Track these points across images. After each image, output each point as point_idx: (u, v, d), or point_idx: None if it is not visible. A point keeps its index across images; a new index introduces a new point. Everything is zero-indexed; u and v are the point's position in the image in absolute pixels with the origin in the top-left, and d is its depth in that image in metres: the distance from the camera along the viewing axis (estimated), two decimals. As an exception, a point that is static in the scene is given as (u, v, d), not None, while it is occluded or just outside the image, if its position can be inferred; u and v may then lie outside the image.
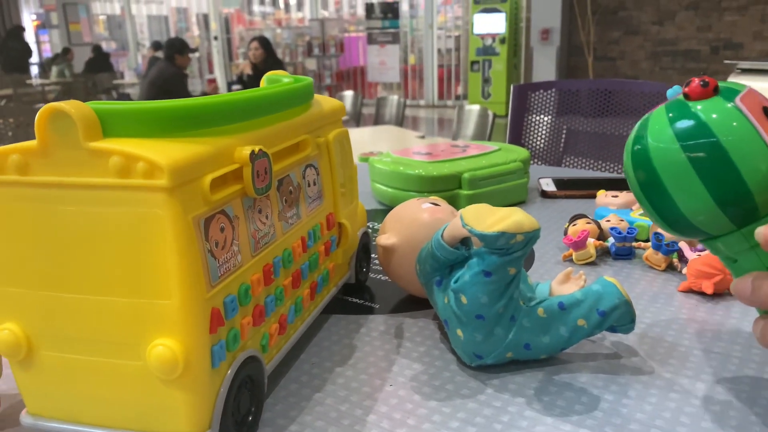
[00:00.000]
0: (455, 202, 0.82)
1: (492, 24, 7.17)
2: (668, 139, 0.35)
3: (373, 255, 0.69)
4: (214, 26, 8.81)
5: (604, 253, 0.67)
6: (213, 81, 5.87)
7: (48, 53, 8.93)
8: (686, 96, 0.36)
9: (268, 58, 4.79)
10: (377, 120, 4.29)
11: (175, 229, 0.31)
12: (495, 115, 2.88)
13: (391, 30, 8.17)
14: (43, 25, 9.15)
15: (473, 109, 3.09)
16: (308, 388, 0.44)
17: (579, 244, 0.64)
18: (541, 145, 1.55)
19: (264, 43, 4.84)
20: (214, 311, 0.34)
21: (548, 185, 0.93)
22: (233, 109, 0.37)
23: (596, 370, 0.45)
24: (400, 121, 4.10)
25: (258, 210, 0.39)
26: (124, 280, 0.33)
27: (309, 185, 0.47)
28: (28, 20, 9.20)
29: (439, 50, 8.40)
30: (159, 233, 0.31)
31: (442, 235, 0.45)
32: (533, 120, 1.53)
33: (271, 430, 0.40)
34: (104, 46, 8.76)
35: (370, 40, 8.17)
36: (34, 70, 8.93)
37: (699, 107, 0.35)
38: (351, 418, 0.41)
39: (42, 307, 0.34)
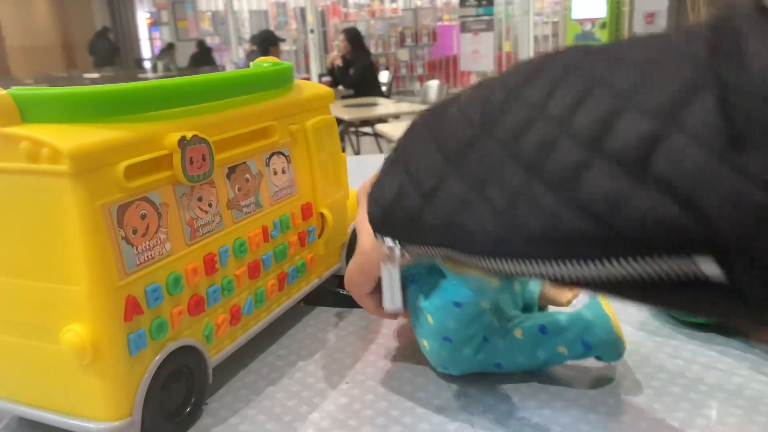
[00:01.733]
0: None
1: (592, 8, 6.84)
2: None
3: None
4: (311, 19, 9.01)
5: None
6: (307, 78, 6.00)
7: (159, 49, 9.48)
8: None
9: (355, 49, 4.85)
10: (463, 110, 4.23)
11: (81, 215, 0.31)
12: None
13: (486, 17, 7.98)
14: (155, 23, 9.73)
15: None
16: (264, 381, 0.43)
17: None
18: None
19: (350, 35, 4.90)
20: (129, 299, 0.33)
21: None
22: (161, 95, 0.36)
23: (575, 397, 0.41)
24: (485, 110, 4.01)
25: (197, 198, 0.38)
26: (38, 265, 0.33)
27: (275, 173, 0.46)
28: (142, 18, 9.83)
29: (535, 37, 8.15)
30: (65, 219, 0.31)
31: None
32: None
33: (212, 420, 0.39)
34: (208, 41, 9.20)
35: (464, 28, 8.03)
36: (147, 64, 9.54)
37: None
38: (293, 414, 0.39)
39: (-27, 288, 0.35)
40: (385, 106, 4.10)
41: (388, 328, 0.50)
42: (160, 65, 7.60)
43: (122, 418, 0.34)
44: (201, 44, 7.99)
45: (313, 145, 0.50)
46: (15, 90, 0.33)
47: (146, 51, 10.00)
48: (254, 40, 6.36)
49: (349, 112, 3.89)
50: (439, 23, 8.60)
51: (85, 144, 0.31)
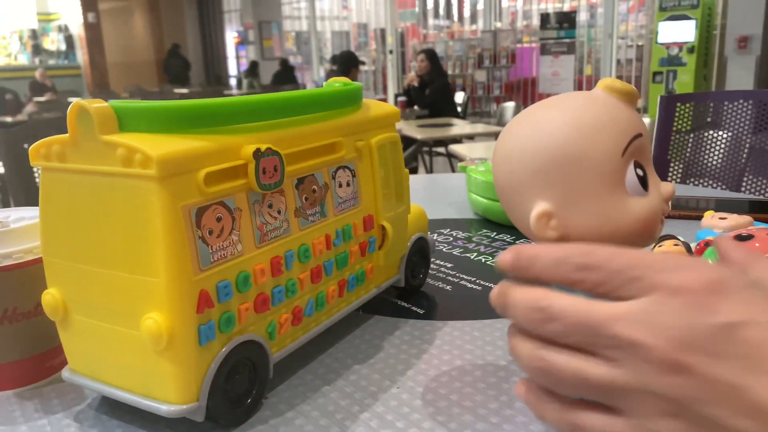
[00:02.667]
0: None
1: (679, 32, 6.64)
2: None
3: (439, 261, 0.69)
4: (390, 40, 9.17)
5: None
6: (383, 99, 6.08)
7: (244, 67, 9.90)
8: None
9: (432, 70, 4.90)
10: (538, 132, 4.18)
11: (164, 214, 0.35)
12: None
13: (567, 40, 7.89)
14: (242, 42, 10.19)
15: (645, 122, 2.90)
16: (320, 380, 0.46)
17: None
18: (714, 163, 1.40)
19: (430, 55, 4.96)
20: (202, 293, 0.37)
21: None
22: (240, 110, 0.40)
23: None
24: (561, 133, 3.96)
25: (268, 204, 0.42)
26: (126, 258, 0.37)
27: (340, 186, 0.49)
28: (230, 38, 10.32)
29: (618, 61, 7.97)
30: (150, 218, 0.35)
31: None
32: (701, 135, 1.39)
33: (270, 413, 0.42)
34: (291, 60, 9.53)
35: (544, 50, 7.96)
36: (233, 81, 9.97)
37: None
38: (345, 413, 0.42)
39: (73, 276, 0.40)
40: (459, 126, 4.12)
41: (442, 339, 0.51)
42: (244, 82, 7.95)
43: (190, 402, 0.37)
44: (284, 63, 8.28)
45: (377, 161, 0.52)
46: (114, 102, 0.37)
47: (233, 68, 10.46)
48: (335, 60, 6.55)
49: (423, 131, 3.93)
50: (519, 45, 8.55)
51: (171, 152, 0.35)
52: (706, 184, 1.38)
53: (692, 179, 1.40)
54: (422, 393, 0.44)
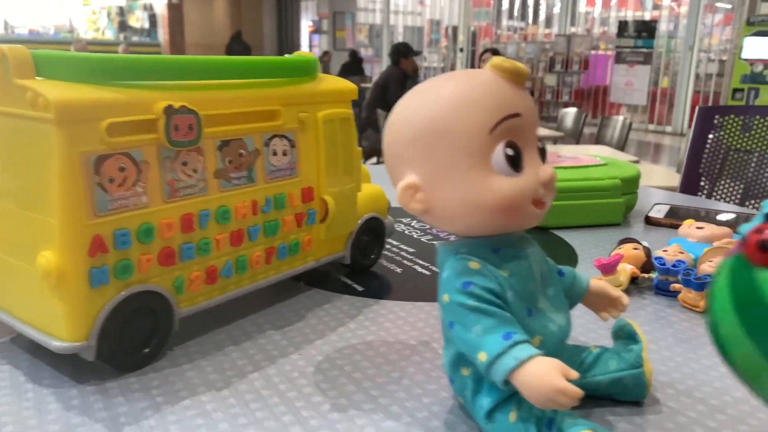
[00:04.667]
0: (529, 212, 0.77)
1: (766, 49, 6.29)
2: (731, 321, 0.25)
3: (403, 245, 0.69)
4: (462, 38, 9.10)
5: (649, 287, 0.58)
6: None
7: (318, 55, 10.06)
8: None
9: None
10: (598, 140, 4.06)
11: (60, 158, 0.37)
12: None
13: (644, 49, 7.62)
14: (316, 31, 10.35)
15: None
16: (230, 341, 0.47)
17: (608, 268, 0.56)
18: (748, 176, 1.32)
19: (496, 53, 4.89)
20: (96, 237, 0.38)
21: (658, 212, 0.82)
22: (150, 66, 0.41)
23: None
24: (621, 144, 3.83)
25: (182, 162, 0.43)
26: (29, 196, 0.39)
27: (274, 154, 0.49)
28: (305, 26, 10.49)
29: (697, 75, 7.64)
30: (49, 160, 0.37)
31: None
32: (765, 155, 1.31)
33: (168, 363, 0.44)
34: (362, 52, 9.60)
35: (619, 59, 7.71)
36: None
37: (761, 279, 0.23)
38: (237, 371, 0.43)
39: (-12, 211, 0.42)
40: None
41: (366, 316, 0.52)
42: (313, 70, 8.08)
43: (79, 341, 0.39)
44: (353, 54, 8.34)
45: (322, 135, 0.53)
46: (37, 50, 0.39)
47: (304, 56, 10.62)
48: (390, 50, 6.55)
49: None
50: (594, 52, 8.31)
51: (72, 98, 0.37)
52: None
53: (752, 201, 1.32)
54: (320, 362, 0.44)
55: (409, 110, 0.35)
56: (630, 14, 8.51)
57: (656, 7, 8.73)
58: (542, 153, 0.35)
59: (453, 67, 9.49)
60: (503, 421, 0.34)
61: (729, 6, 8.23)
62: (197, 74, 0.44)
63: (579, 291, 0.40)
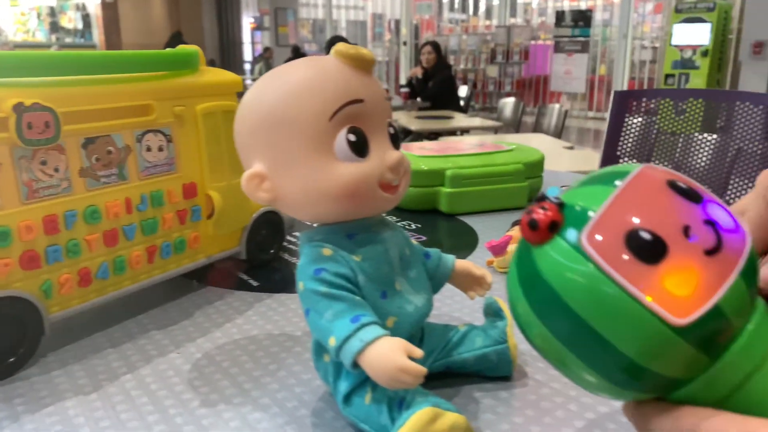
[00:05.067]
0: (437, 200, 0.78)
1: (694, 35, 6.53)
2: (522, 303, 0.25)
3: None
4: (405, 32, 9.12)
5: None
6: (386, 91, 6.01)
7: (259, 52, 9.92)
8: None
9: (438, 61, 4.87)
10: (536, 128, 4.15)
11: None
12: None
13: (581, 38, 7.80)
14: (258, 27, 10.20)
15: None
16: (109, 343, 0.46)
17: (497, 249, 0.57)
18: (700, 165, 1.36)
19: (436, 47, 4.93)
20: (-59, 243, 0.37)
21: (552, 192, 0.84)
22: (4, 65, 0.40)
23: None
24: (558, 131, 3.92)
25: (40, 161, 0.41)
26: None
27: (148, 150, 0.48)
28: (246, 23, 10.32)
29: (633, 62, 7.87)
30: None
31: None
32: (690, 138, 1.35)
33: (38, 370, 0.42)
34: (306, 47, 9.53)
35: (557, 48, 7.88)
36: (247, 66, 10.00)
37: (536, 257, 0.24)
38: (110, 374, 0.42)
39: None
40: (457, 119, 4.09)
41: (255, 311, 0.51)
42: (256, 68, 7.96)
43: (-69, 352, 0.37)
44: (296, 50, 8.27)
45: (202, 129, 0.52)
46: None
47: (248, 54, 10.47)
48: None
49: (419, 123, 3.91)
50: (533, 42, 8.46)
51: None
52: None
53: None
54: (198, 359, 0.43)
55: (253, 99, 0.34)
56: (567, 4, 8.69)
57: (592, -4, 8.95)
58: (394, 138, 0.35)
59: (397, 61, 9.51)
60: (359, 404, 0.34)
61: (660, -6, 8.50)
62: (54, 70, 0.42)
63: (445, 271, 0.40)
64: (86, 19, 8.98)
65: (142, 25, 9.50)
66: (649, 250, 0.22)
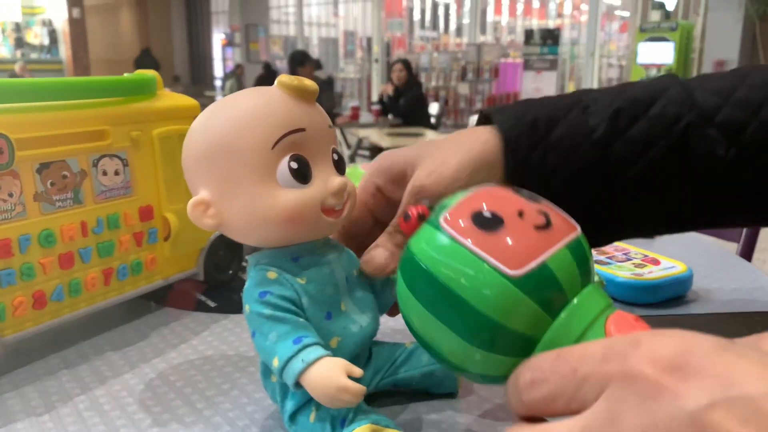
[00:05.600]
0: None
1: (658, 54, 6.71)
2: (401, 285, 0.31)
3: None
4: (376, 49, 9.21)
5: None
6: (357, 108, 6.00)
7: (230, 69, 9.92)
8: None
9: (409, 79, 4.93)
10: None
11: None
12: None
13: (550, 56, 7.96)
14: (229, 44, 10.21)
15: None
16: (64, 365, 0.46)
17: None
18: None
19: (407, 65, 4.99)
20: None
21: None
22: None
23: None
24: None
25: (-7, 187, 0.42)
26: None
27: (104, 174, 0.49)
28: (217, 40, 10.33)
29: (600, 79, 8.05)
30: None
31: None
32: None
33: (-10, 394, 0.42)
34: (278, 64, 9.55)
35: (527, 66, 8.03)
36: (218, 83, 9.98)
37: (410, 244, 0.31)
38: (63, 395, 0.42)
39: None
40: (428, 136, 4.14)
41: (211, 331, 0.52)
42: (227, 84, 7.96)
43: None
44: (267, 67, 8.29)
45: (159, 152, 0.53)
46: None
47: (218, 70, 10.46)
48: (317, 65, 6.54)
49: (390, 140, 3.95)
50: (503, 60, 8.61)
51: None
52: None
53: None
54: (152, 379, 0.44)
55: (199, 127, 0.36)
56: (536, 22, 8.88)
57: (560, 15, 9.16)
58: (338, 164, 0.37)
59: (369, 78, 9.59)
60: (304, 422, 0.35)
61: (627, 14, 8.74)
62: (9, 97, 0.43)
63: (392, 291, 0.42)
64: (53, 34, 8.89)
65: (111, 40, 9.44)
66: (488, 222, 0.28)
